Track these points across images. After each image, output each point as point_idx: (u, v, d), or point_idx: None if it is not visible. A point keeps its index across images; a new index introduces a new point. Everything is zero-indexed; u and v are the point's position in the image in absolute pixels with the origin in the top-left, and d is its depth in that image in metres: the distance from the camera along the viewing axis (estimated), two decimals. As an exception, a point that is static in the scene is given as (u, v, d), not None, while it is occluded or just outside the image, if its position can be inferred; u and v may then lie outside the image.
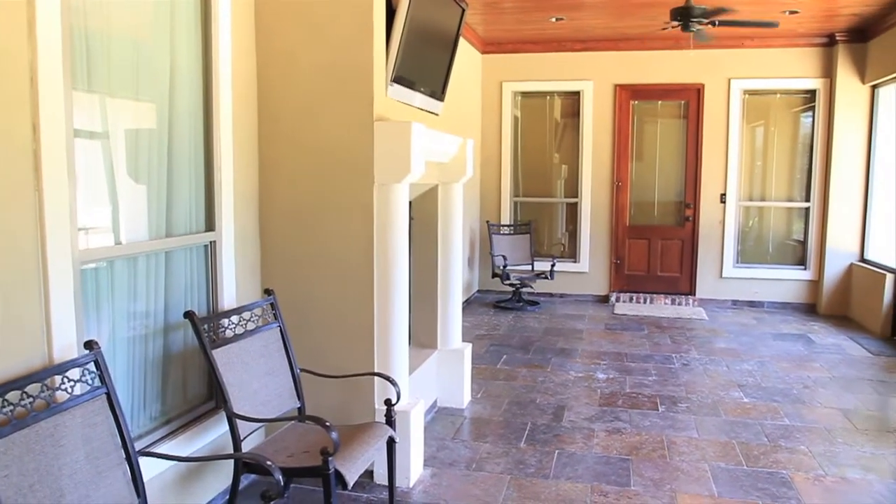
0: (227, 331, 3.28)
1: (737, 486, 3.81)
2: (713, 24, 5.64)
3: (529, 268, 8.69)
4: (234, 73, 3.59)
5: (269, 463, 2.53)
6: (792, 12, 7.11)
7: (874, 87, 8.02)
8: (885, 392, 5.43)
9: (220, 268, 3.54)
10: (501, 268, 8.25)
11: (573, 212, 9.16)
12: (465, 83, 8.31)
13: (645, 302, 8.77)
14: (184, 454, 3.12)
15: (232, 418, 3.02)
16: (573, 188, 9.13)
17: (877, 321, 7.38)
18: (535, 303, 8.70)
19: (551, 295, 9.11)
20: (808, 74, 8.39)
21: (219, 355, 3.09)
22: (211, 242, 3.51)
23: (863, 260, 8.19)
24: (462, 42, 8.00)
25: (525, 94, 9.28)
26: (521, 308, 8.44)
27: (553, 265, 8.53)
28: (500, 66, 9.08)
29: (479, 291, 9.34)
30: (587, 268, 9.05)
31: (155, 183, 3.18)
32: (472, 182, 8.93)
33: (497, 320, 7.84)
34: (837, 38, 8.07)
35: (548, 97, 9.24)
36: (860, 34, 7.95)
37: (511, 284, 8.44)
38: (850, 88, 8.13)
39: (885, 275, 7.29)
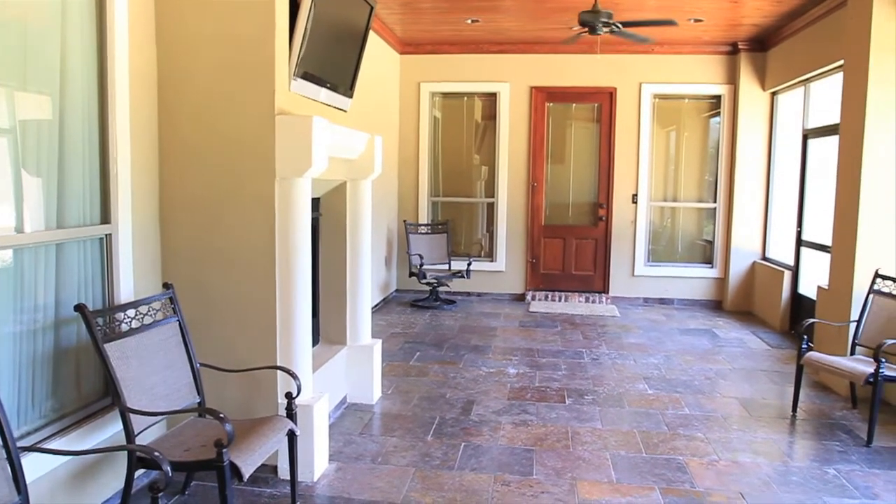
0: (123, 325, 3.21)
1: (635, 472, 3.93)
2: (617, 26, 5.82)
3: (446, 267, 8.75)
4: (132, 64, 3.51)
5: (156, 454, 2.49)
6: (696, 20, 7.39)
7: (773, 94, 8.42)
8: (780, 382, 5.70)
9: (115, 261, 3.45)
10: (418, 267, 8.29)
11: (492, 212, 9.28)
12: (382, 83, 8.33)
13: (560, 300, 8.96)
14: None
15: (125, 412, 2.95)
16: (493, 188, 9.25)
17: (776, 316, 7.74)
18: (452, 301, 8.77)
19: (469, 294, 9.20)
20: (714, 80, 8.74)
21: (113, 349, 3.02)
22: (106, 235, 3.42)
23: (764, 258, 8.57)
24: (380, 42, 8.05)
25: (444, 95, 9.35)
26: (437, 307, 8.50)
27: (469, 264, 8.62)
28: (417, 67, 9.13)
29: (396, 291, 9.35)
30: (504, 267, 9.18)
31: (44, 174, 3.07)
32: (390, 182, 8.94)
33: (413, 319, 7.87)
34: (740, 46, 8.44)
35: (465, 98, 9.33)
36: (760, 44, 8.34)
37: (428, 283, 8.49)
38: (751, 95, 8.51)
39: (783, 272, 7.65)
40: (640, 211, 8.98)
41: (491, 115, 9.24)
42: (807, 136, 7.44)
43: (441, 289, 8.84)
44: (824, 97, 7.12)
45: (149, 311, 3.35)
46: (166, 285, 3.52)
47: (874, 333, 4.89)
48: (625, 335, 7.29)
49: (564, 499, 3.59)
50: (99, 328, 2.99)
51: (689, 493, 3.69)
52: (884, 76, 5.16)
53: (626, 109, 8.90)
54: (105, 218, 3.43)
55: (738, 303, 8.71)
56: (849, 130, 5.48)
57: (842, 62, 5.85)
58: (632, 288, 9.07)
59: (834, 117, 6.31)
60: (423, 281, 8.39)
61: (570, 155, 9.25)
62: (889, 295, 4.95)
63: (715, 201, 8.93)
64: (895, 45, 5.12)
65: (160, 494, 2.51)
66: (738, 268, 8.71)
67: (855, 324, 5.09)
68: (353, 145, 4.45)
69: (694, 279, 8.99)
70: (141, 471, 3.35)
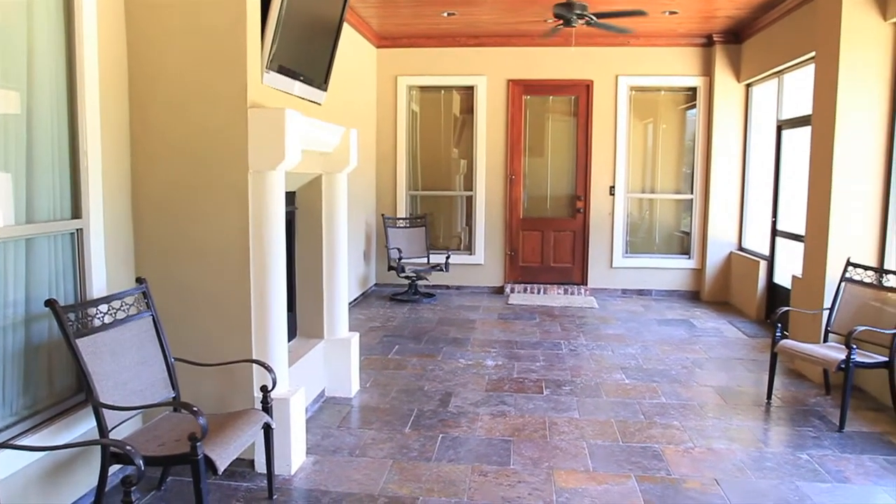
0: (96, 320, 3.18)
1: (611, 460, 3.96)
2: (592, 18, 5.84)
3: (425, 260, 8.75)
4: (102, 58, 3.46)
5: (128, 448, 2.47)
6: (671, 13, 7.43)
7: (748, 86, 8.49)
8: (756, 370, 5.76)
9: (87, 256, 3.42)
10: (397, 260, 8.29)
11: (471, 205, 9.29)
12: (359, 77, 8.30)
13: (538, 292, 8.99)
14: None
15: (97, 407, 2.92)
16: (471, 182, 9.26)
17: (752, 305, 7.82)
18: (431, 295, 8.77)
19: (448, 287, 9.21)
20: (690, 73, 8.79)
21: (85, 345, 2.99)
22: (77, 230, 3.38)
23: (741, 249, 8.65)
24: (356, 36, 8.02)
25: (422, 89, 9.34)
26: (416, 300, 8.50)
27: (448, 257, 8.62)
28: (395, 61, 9.11)
29: (375, 285, 9.34)
30: (482, 260, 9.20)
31: (13, 169, 3.03)
32: (369, 176, 8.93)
33: (392, 312, 7.87)
34: (715, 38, 8.50)
35: (443, 91, 9.33)
36: (734, 36, 8.40)
37: (407, 277, 8.49)
38: (727, 87, 8.58)
39: (758, 262, 7.73)
40: (618, 203, 9.03)
41: (469, 108, 9.24)
42: (781, 127, 7.51)
43: (420, 282, 8.85)
44: (797, 88, 7.19)
45: (122, 305, 3.32)
46: (139, 280, 3.50)
47: (846, 320, 4.96)
48: (603, 326, 7.33)
49: (541, 488, 3.61)
50: (70, 323, 2.95)
51: (665, 479, 3.72)
52: (854, 67, 5.21)
53: (603, 102, 8.93)
54: (76, 213, 3.39)
55: (715, 293, 8.80)
56: (820, 121, 5.53)
57: (814, 53, 5.91)
58: (610, 279, 9.12)
59: (807, 108, 6.37)
60: (402, 275, 8.38)
61: (547, 147, 9.27)
62: (860, 282, 5.02)
63: (692, 193, 9.00)
64: (865, 37, 5.18)
65: (133, 489, 2.49)
66: (714, 258, 8.79)
67: (828, 311, 5.15)
68: (328, 138, 4.43)
69: (671, 270, 9.06)
70: (116, 467, 3.33)
